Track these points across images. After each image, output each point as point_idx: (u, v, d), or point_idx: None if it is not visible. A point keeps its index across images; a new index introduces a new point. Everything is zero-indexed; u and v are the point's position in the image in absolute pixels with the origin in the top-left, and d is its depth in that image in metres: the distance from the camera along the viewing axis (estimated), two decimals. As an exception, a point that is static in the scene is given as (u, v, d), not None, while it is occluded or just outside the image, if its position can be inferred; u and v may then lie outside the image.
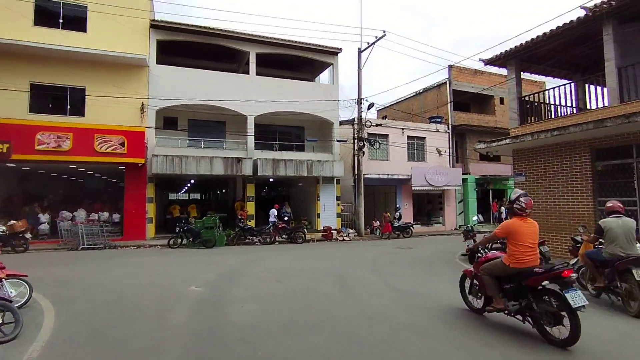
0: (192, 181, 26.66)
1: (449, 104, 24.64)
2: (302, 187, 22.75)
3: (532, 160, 12.09)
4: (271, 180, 22.47)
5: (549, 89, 12.67)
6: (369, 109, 19.37)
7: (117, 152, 15.65)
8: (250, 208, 18.78)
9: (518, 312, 4.73)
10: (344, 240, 18.61)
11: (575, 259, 7.68)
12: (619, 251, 5.71)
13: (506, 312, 4.88)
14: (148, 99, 17.24)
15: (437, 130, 23.98)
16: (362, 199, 20.49)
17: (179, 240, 14.98)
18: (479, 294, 5.49)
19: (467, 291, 5.86)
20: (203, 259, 11.81)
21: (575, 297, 4.16)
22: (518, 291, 4.72)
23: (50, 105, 16.37)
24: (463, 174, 23.97)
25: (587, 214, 10.58)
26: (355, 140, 20.31)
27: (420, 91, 27.71)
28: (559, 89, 12.33)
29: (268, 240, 16.53)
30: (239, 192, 21.71)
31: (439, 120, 24.43)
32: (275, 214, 19.64)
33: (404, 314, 5.78)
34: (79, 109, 16.37)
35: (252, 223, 18.46)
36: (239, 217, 17.32)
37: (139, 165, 16.25)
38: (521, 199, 4.77)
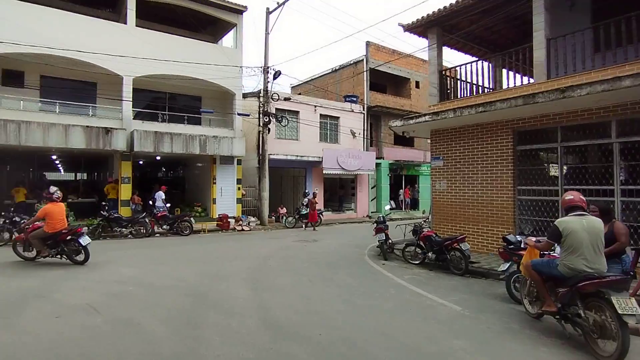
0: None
1: (365, 83, 23.04)
2: (200, 168, 19.41)
3: (451, 143, 10.63)
4: (158, 158, 18.78)
5: (470, 62, 11.22)
6: (275, 78, 16.68)
7: None
8: (126, 192, 15.07)
9: None
10: (242, 230, 15.96)
11: (508, 264, 6.07)
12: (583, 265, 3.98)
13: None
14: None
15: (352, 110, 22.25)
16: (267, 182, 17.96)
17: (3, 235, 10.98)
18: None
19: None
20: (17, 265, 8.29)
21: None
22: None
23: None
24: (377, 158, 22.71)
25: (506, 204, 9.36)
26: (260, 115, 17.56)
27: (337, 68, 25.75)
28: (476, 65, 10.98)
29: (143, 231, 13.19)
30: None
31: (355, 99, 22.73)
32: (163, 197, 16.49)
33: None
34: None
35: (126, 211, 14.84)
36: (103, 203, 13.50)
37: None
38: None
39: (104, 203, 12.94)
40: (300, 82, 28.91)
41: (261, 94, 17.69)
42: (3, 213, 11.18)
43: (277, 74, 16.37)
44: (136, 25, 15.37)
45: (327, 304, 5.74)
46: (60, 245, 8.07)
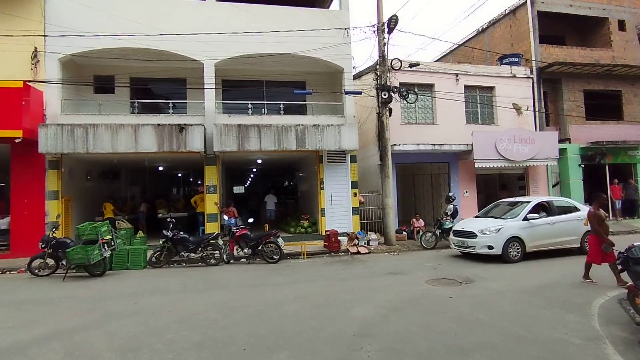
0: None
1: (531, 35, 15.82)
2: (309, 172, 15.52)
3: None
4: (259, 161, 15.57)
5: None
6: (391, 30, 11.52)
7: (-28, 121, 9.77)
8: (210, 204, 12.02)
9: None
10: (357, 253, 11.18)
11: None
12: None
13: None
14: (44, 36, 11.20)
15: (514, 76, 15.35)
16: (391, 183, 12.80)
17: (50, 262, 8.69)
18: None
19: None
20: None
21: None
22: None
23: None
24: (559, 141, 15.16)
25: None
26: (377, 90, 12.63)
27: (485, 26, 19.00)
28: None
29: (218, 256, 9.68)
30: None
31: (517, 60, 15.75)
32: (275, 200, 13.58)
33: None
34: None
35: (214, 227, 11.80)
36: (168, 220, 10.26)
37: (16, 140, 10.19)
38: None
39: (169, 220, 9.90)
40: (437, 58, 22.91)
41: (377, 64, 12.79)
42: (43, 236, 8.96)
43: (392, 22, 11.23)
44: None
45: None
46: None
